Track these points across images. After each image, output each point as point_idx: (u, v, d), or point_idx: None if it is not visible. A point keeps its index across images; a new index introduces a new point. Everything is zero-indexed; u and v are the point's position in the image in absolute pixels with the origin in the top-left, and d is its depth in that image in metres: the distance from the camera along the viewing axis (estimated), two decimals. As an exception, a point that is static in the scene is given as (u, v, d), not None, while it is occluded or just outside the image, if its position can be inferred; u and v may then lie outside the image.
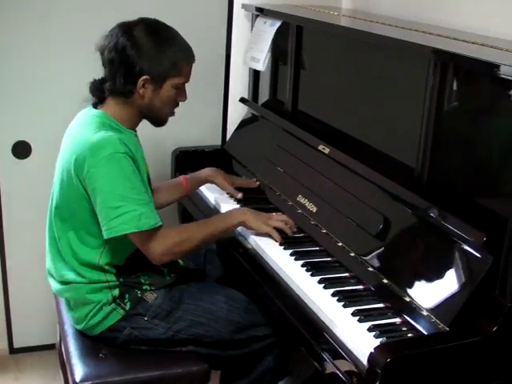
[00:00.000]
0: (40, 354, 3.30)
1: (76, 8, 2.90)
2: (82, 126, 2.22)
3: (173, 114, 2.31)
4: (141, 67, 2.15)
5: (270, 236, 2.36)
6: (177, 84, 2.23)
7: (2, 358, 3.27)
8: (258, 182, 2.80)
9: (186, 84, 2.29)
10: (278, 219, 2.39)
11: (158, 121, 2.31)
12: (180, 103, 2.30)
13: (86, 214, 2.18)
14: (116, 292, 2.24)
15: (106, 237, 2.12)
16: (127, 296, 2.25)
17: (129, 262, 2.27)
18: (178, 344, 2.28)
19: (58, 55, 2.92)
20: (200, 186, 2.84)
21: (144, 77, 2.16)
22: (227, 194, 2.78)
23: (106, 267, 2.24)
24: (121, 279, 2.26)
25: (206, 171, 2.80)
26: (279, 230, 2.36)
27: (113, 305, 2.24)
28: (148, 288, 2.28)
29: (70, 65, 2.88)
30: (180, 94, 2.27)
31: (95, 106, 2.27)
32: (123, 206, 2.09)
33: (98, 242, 2.21)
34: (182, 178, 2.74)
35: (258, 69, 3.02)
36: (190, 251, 2.28)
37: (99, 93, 2.25)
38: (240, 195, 2.73)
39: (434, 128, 2.09)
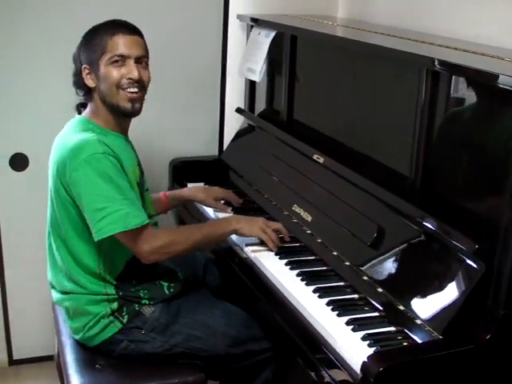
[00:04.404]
0: (39, 366, 3.30)
1: (73, 22, 2.91)
2: (65, 133, 2.27)
3: (131, 94, 2.23)
4: (80, 60, 2.27)
5: (264, 244, 2.37)
6: (108, 60, 2.21)
7: (1, 370, 3.27)
8: (241, 200, 2.80)
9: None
10: (273, 227, 2.39)
11: (117, 107, 2.25)
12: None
13: (76, 220, 2.19)
14: (115, 305, 2.25)
15: (96, 239, 2.12)
16: (125, 309, 2.25)
17: (129, 267, 2.26)
18: (175, 357, 2.28)
19: (57, 68, 2.92)
20: (178, 204, 2.83)
21: (83, 66, 2.25)
22: (223, 203, 2.78)
23: (107, 277, 2.24)
24: (120, 293, 2.26)
25: (185, 190, 2.81)
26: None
27: (111, 317, 2.24)
28: (147, 302, 2.28)
29: (68, 77, 2.90)
30: (122, 70, 2.21)
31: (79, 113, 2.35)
32: (108, 206, 2.09)
33: (94, 248, 2.21)
34: (161, 194, 2.73)
35: (254, 80, 3.03)
36: (179, 253, 2.26)
37: (80, 105, 2.36)
38: (229, 210, 2.73)
39: (427, 137, 2.10)
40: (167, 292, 2.34)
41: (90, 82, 2.25)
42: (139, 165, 2.37)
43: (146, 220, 2.15)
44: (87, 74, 2.25)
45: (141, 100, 2.27)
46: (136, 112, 2.28)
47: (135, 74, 2.21)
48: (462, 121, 2.02)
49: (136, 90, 2.23)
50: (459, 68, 1.93)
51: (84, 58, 2.25)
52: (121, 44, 2.21)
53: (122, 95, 2.23)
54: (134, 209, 2.13)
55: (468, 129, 1.99)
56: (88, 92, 2.29)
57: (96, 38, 2.23)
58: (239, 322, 2.33)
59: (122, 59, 2.21)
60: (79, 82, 2.29)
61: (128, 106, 2.24)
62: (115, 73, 2.21)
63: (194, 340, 2.27)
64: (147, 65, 2.29)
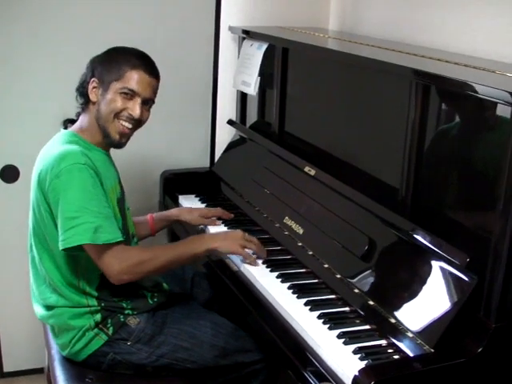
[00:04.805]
0: (30, 378, 3.28)
1: (64, 34, 2.92)
2: (49, 145, 2.27)
3: (124, 128, 2.25)
4: (93, 73, 2.27)
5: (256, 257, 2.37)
6: (119, 89, 2.22)
7: (-9, 383, 3.26)
8: (232, 215, 2.78)
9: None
10: (251, 241, 2.37)
11: (106, 133, 2.26)
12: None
13: (54, 230, 2.16)
14: (98, 317, 2.23)
15: (60, 248, 2.09)
16: (109, 321, 2.24)
17: (104, 278, 2.21)
18: (162, 369, 2.26)
19: (48, 80, 2.93)
20: (166, 225, 2.81)
21: (93, 78, 2.26)
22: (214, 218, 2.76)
23: (87, 289, 2.22)
24: (102, 304, 2.24)
25: (172, 211, 2.79)
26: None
27: (95, 330, 2.23)
28: (130, 312, 2.27)
29: (59, 90, 2.90)
30: (127, 103, 2.23)
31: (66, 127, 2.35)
32: (80, 216, 2.07)
33: (73, 260, 2.19)
34: (148, 216, 2.71)
35: (249, 93, 3.03)
36: (152, 272, 2.25)
37: (67, 121, 2.37)
38: (218, 223, 2.73)
39: (419, 150, 2.10)
40: (151, 302, 2.33)
41: (93, 95, 2.26)
42: (120, 183, 2.37)
43: (119, 238, 2.13)
44: (94, 87, 2.25)
45: (130, 136, 2.30)
46: (121, 145, 2.31)
47: (137, 113, 2.24)
48: (452, 134, 2.02)
49: (130, 126, 2.26)
50: (447, 80, 1.93)
51: (98, 72, 2.26)
52: (136, 80, 2.23)
53: (116, 125, 2.24)
54: (108, 224, 2.11)
55: (458, 142, 1.99)
56: (87, 102, 2.29)
57: (117, 61, 2.23)
58: (227, 333, 2.32)
59: (131, 93, 2.23)
60: (83, 90, 2.30)
61: (116, 137, 2.26)
62: (120, 103, 2.22)
63: (181, 351, 2.26)
64: (151, 107, 2.32)
